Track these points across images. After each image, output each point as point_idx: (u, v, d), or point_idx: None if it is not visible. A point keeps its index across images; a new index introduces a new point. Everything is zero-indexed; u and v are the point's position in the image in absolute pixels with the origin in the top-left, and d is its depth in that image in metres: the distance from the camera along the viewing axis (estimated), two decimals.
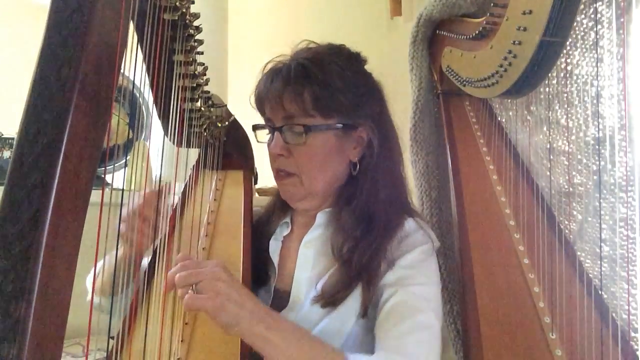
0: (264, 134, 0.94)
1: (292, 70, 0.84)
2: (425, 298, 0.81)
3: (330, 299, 0.83)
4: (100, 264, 0.93)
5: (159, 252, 0.84)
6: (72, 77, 0.45)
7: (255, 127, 0.96)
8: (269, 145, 0.91)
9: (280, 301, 0.89)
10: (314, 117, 0.85)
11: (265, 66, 0.91)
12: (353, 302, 0.83)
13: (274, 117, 0.88)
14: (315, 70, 0.84)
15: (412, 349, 0.75)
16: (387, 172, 0.91)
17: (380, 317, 0.81)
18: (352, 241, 0.85)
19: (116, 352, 0.72)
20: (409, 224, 0.89)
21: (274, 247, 0.94)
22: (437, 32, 1.12)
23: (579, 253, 0.84)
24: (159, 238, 0.84)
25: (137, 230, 0.81)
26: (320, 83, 0.83)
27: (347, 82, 0.86)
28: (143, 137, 2.16)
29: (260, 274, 0.91)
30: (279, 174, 0.90)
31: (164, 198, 0.84)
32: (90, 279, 0.93)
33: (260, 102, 0.90)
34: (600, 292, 0.78)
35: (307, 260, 0.90)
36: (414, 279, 0.82)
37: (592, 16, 0.82)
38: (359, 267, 0.83)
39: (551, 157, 0.92)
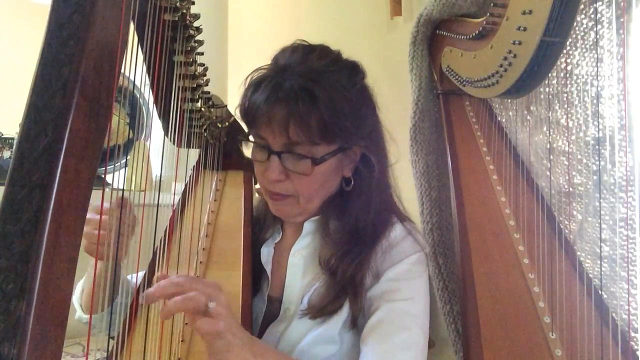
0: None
1: (298, 95, 0.77)
2: (411, 314, 0.81)
3: (318, 312, 0.82)
4: (83, 281, 0.93)
5: (159, 253, 0.84)
6: (72, 77, 0.45)
7: (242, 139, 0.88)
8: (255, 159, 0.86)
9: (273, 309, 0.89)
10: (318, 145, 0.80)
11: (250, 75, 0.85)
12: (343, 312, 0.83)
13: (272, 140, 0.81)
14: (323, 95, 0.77)
15: None
16: (379, 184, 0.89)
17: (366, 330, 0.80)
18: (339, 254, 0.85)
19: (116, 352, 0.72)
20: (397, 230, 0.88)
21: (266, 254, 0.93)
22: (437, 32, 1.12)
23: (579, 253, 0.84)
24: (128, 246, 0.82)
25: (101, 242, 0.77)
26: (327, 110, 0.77)
27: (351, 104, 0.81)
28: (143, 137, 2.16)
29: (254, 280, 0.90)
30: (274, 196, 0.86)
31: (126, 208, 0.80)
32: (77, 295, 0.94)
33: (253, 119, 0.82)
34: (600, 292, 0.77)
35: (297, 269, 0.89)
36: (400, 294, 0.82)
37: (592, 16, 0.82)
38: (345, 280, 0.82)
39: (551, 157, 0.92)
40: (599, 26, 0.80)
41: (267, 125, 0.80)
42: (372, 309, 0.81)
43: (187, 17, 0.79)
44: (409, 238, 0.88)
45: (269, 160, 0.82)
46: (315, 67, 0.80)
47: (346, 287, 0.83)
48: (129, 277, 0.95)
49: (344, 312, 0.83)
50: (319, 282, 0.86)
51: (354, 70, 0.86)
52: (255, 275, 0.91)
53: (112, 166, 2.02)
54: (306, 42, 0.87)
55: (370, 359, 0.77)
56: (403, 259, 0.84)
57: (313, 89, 0.77)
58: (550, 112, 0.92)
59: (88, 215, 0.76)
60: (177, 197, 1.01)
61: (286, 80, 0.79)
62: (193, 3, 0.78)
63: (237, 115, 0.89)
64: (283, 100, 0.78)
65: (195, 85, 0.90)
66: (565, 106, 0.89)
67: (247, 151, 0.92)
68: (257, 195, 1.08)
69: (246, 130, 0.90)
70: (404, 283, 0.83)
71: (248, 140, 0.87)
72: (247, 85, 0.85)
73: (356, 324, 0.83)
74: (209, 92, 0.97)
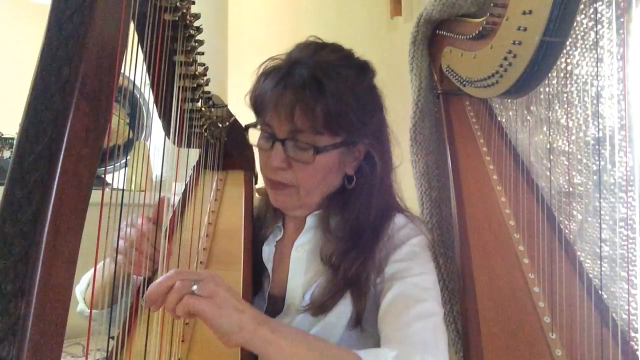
0: (256, 133, 0.90)
1: (306, 83, 0.79)
2: (424, 287, 0.81)
3: (319, 308, 0.83)
4: (91, 274, 0.93)
5: (160, 253, 0.84)
6: (72, 77, 0.45)
7: (249, 127, 0.90)
8: (260, 147, 0.88)
9: (275, 307, 0.89)
10: (322, 135, 0.81)
11: (264, 64, 0.87)
12: (344, 308, 0.83)
13: (277, 127, 0.83)
14: (330, 86, 0.79)
15: (420, 337, 0.74)
16: (382, 183, 0.90)
17: (381, 312, 0.80)
18: (340, 250, 0.85)
19: (116, 352, 0.72)
20: (398, 219, 0.90)
21: (267, 253, 0.93)
22: (437, 32, 1.12)
23: (579, 253, 0.84)
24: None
25: (139, 250, 0.80)
26: (334, 100, 0.79)
27: (358, 99, 0.83)
28: (143, 137, 2.16)
29: (254, 279, 0.90)
30: (274, 185, 0.87)
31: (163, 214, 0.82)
32: (79, 288, 0.94)
33: (261, 105, 0.85)
34: (600, 292, 0.78)
35: (300, 265, 0.89)
36: (410, 271, 0.82)
37: (592, 16, 0.82)
38: (348, 277, 0.83)
39: (551, 157, 0.92)
40: (599, 26, 0.80)
41: (273, 111, 0.83)
42: (384, 290, 0.81)
43: (187, 17, 0.79)
44: (410, 224, 0.89)
45: (273, 147, 0.83)
46: (326, 60, 0.83)
47: (348, 284, 0.83)
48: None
49: (347, 310, 0.83)
50: (321, 278, 0.86)
51: (364, 69, 0.89)
52: (255, 274, 0.91)
53: (112, 166, 2.02)
54: (320, 39, 0.90)
55: (390, 333, 0.76)
56: (407, 241, 0.86)
57: (322, 79, 0.80)
58: (550, 112, 0.92)
59: (129, 230, 0.79)
60: (178, 197, 1.01)
61: (297, 70, 0.81)
62: (193, 3, 0.78)
63: (237, 114, 0.90)
64: (291, 86, 0.80)
65: (195, 85, 0.90)
66: (565, 106, 0.89)
67: (253, 143, 0.92)
68: (257, 195, 1.08)
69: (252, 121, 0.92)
70: (411, 262, 0.83)
71: (255, 127, 0.89)
72: (259, 73, 0.87)
73: (359, 322, 0.83)
74: (209, 92, 0.97)
